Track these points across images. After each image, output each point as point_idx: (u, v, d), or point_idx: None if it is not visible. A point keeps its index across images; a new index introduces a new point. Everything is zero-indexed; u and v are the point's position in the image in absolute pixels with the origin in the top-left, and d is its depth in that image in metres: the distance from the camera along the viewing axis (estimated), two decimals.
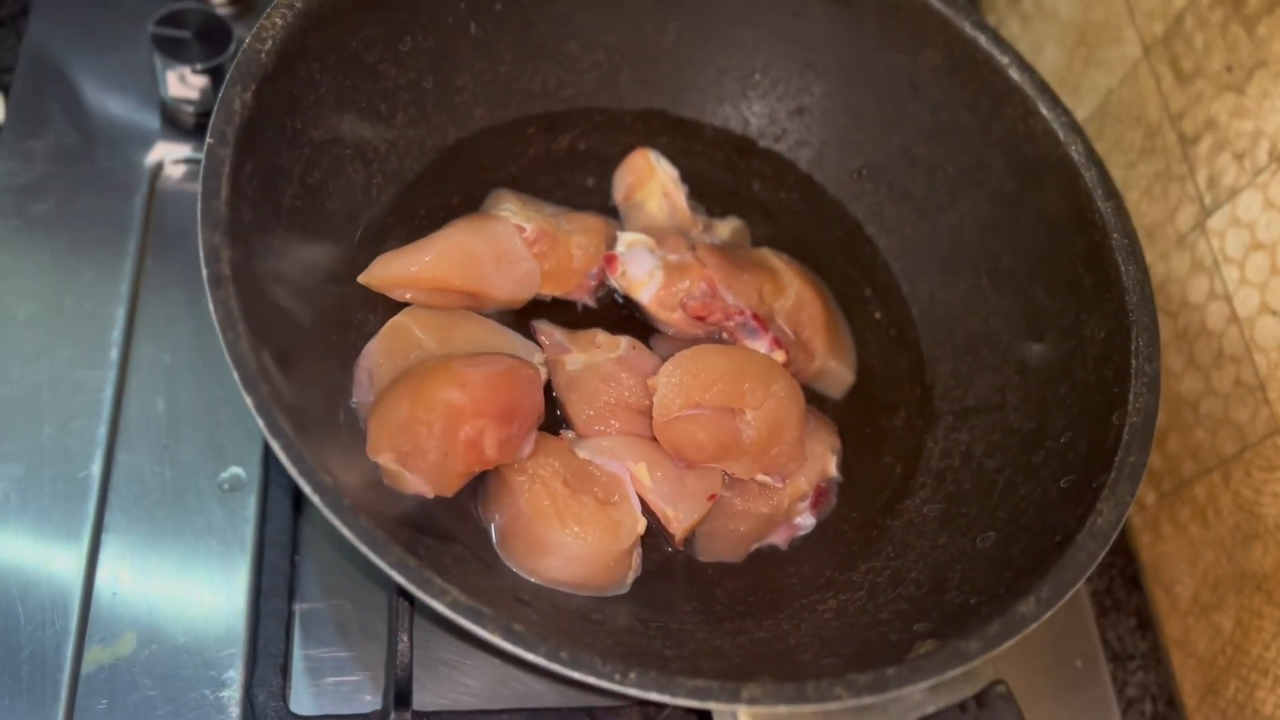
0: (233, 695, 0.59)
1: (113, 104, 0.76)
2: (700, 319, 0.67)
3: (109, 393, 0.67)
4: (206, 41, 0.73)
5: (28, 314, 0.68)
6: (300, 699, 0.61)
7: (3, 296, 0.68)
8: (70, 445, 0.65)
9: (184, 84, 0.73)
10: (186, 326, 0.70)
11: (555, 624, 0.53)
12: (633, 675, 0.45)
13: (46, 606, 0.60)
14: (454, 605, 0.44)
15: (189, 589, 0.62)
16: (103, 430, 0.66)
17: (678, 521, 0.60)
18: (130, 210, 0.73)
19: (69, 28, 0.78)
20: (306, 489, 0.45)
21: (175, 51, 0.72)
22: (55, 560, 0.62)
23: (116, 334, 0.69)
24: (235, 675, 0.60)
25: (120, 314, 0.69)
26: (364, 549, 0.44)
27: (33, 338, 0.68)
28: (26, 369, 0.67)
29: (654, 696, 0.46)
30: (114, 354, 0.68)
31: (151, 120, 0.76)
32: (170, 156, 0.75)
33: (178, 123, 0.76)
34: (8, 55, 0.78)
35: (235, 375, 0.46)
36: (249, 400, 0.46)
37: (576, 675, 0.45)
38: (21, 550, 0.62)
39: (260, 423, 0.45)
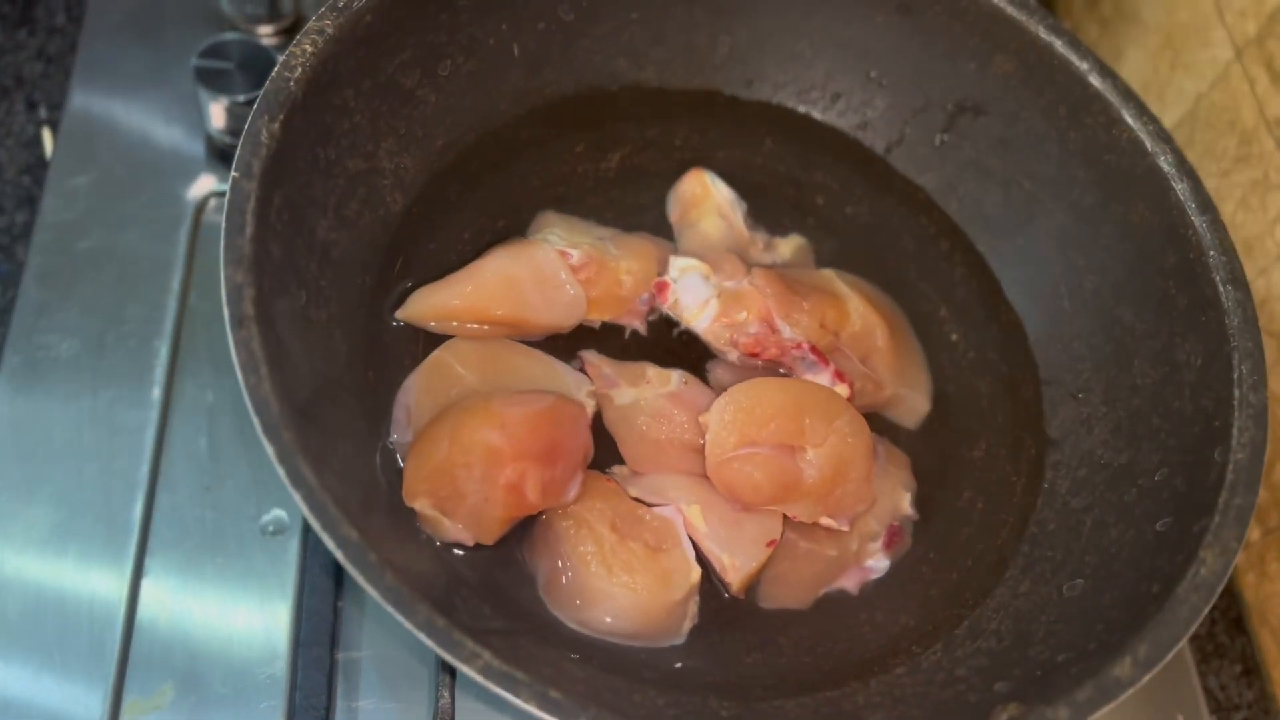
0: None
1: (159, 138, 0.75)
2: (754, 355, 0.63)
3: (151, 433, 0.65)
4: (250, 72, 0.72)
5: (70, 352, 0.67)
6: None
7: (46, 335, 0.67)
8: (112, 487, 0.63)
9: (228, 116, 0.72)
10: (229, 362, 0.67)
11: (603, 685, 0.50)
12: None
13: (84, 656, 0.59)
14: (486, 671, 0.41)
15: (228, 637, 0.60)
16: (144, 471, 0.64)
17: (734, 570, 0.56)
18: (175, 245, 0.71)
19: (116, 62, 0.77)
20: (329, 544, 0.42)
21: (219, 83, 0.71)
22: (94, 607, 0.60)
23: (159, 372, 0.67)
24: None
25: (164, 351, 0.68)
26: (389, 608, 0.41)
27: (75, 376, 0.66)
28: (68, 408, 0.65)
29: None
30: (157, 392, 0.67)
31: (197, 154, 0.75)
32: (215, 190, 0.74)
33: (222, 156, 0.74)
34: (56, 92, 0.78)
35: (256, 422, 0.43)
36: (269, 448, 0.43)
37: None
38: (59, 597, 0.60)
39: (281, 472, 0.43)
